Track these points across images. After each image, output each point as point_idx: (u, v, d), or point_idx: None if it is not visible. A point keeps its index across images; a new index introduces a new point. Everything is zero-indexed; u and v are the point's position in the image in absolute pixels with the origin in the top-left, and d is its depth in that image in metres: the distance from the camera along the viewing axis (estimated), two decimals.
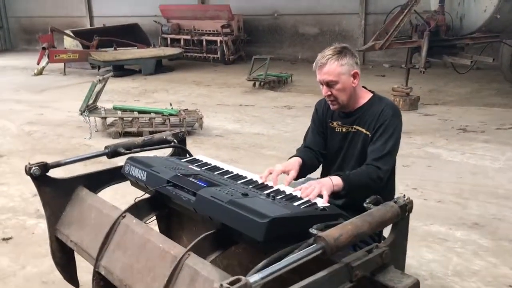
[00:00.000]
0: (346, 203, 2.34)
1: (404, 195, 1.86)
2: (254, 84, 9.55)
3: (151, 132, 6.18)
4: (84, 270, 2.68)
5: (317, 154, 2.55)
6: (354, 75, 2.36)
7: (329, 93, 2.37)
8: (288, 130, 6.52)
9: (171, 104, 6.69)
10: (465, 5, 7.05)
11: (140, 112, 6.60)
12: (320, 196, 2.02)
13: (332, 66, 2.31)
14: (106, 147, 2.57)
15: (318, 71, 2.37)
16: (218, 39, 12.90)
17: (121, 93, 9.44)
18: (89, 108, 6.46)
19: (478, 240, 3.47)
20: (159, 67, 12.07)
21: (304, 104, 7.84)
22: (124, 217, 2.13)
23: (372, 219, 1.70)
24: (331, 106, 2.45)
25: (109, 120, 6.62)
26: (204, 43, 13.25)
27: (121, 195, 3.41)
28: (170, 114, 6.41)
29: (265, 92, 9.17)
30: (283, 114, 7.37)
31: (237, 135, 6.36)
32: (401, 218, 1.82)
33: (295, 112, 7.47)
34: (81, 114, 6.39)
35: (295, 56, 13.35)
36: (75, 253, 2.48)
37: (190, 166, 2.33)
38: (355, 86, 2.38)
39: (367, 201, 1.84)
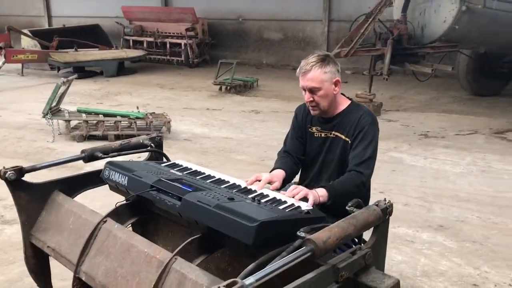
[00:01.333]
0: (322, 207, 2.39)
1: (385, 199, 1.94)
2: (221, 88, 9.56)
3: (117, 136, 6.11)
4: (57, 277, 2.62)
5: (295, 159, 2.61)
6: (336, 83, 2.43)
7: (311, 99, 2.44)
8: (257, 134, 6.56)
9: (137, 107, 6.60)
10: (426, 15, 7.33)
11: (105, 115, 6.48)
12: (306, 200, 2.06)
13: (316, 73, 2.37)
14: (82, 151, 2.53)
15: (301, 77, 2.42)
16: (183, 42, 12.83)
17: (83, 95, 9.23)
18: (52, 110, 6.29)
19: (443, 241, 3.62)
20: (122, 69, 11.90)
21: (271, 109, 7.92)
22: (105, 222, 2.10)
23: (357, 221, 1.76)
24: (311, 111, 2.51)
25: (73, 123, 6.48)
26: (168, 45, 13.15)
27: (91, 200, 3.34)
28: (137, 118, 6.33)
29: (232, 96, 9.19)
30: (251, 119, 7.41)
31: (205, 139, 6.35)
32: (382, 221, 1.90)
33: (263, 116, 7.53)
34: (44, 116, 6.21)
35: (260, 61, 13.44)
36: (50, 260, 2.43)
37: (172, 170, 2.33)
38: (336, 94, 2.46)
39: (350, 204, 1.91)
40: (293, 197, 2.05)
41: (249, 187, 2.17)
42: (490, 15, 7.08)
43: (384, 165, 5.29)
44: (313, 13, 12.50)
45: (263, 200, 1.98)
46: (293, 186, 2.13)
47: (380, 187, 4.58)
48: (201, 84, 10.37)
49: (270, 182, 2.32)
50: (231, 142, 6.24)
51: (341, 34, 11.53)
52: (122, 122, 6.33)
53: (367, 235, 1.94)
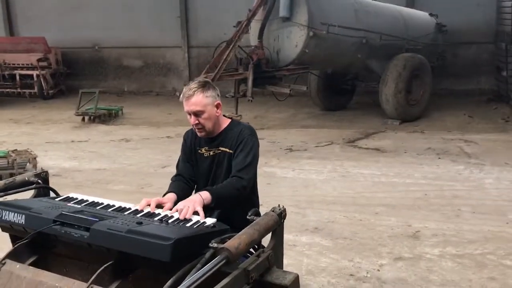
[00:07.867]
0: (220, 218, 2.59)
1: (279, 205, 2.20)
2: (83, 119, 9.22)
3: None
4: None
5: (188, 181, 2.80)
6: (217, 105, 2.68)
7: (196, 121, 2.65)
8: (132, 163, 6.51)
9: None
10: (279, 41, 8.03)
11: None
12: (196, 212, 2.24)
13: (198, 98, 2.60)
14: None
15: (185, 102, 2.62)
16: (34, 73, 12.11)
17: None
18: None
19: (320, 241, 4.05)
20: None
21: (141, 136, 7.89)
22: (4, 264, 2.03)
23: (260, 227, 1.99)
24: (198, 134, 2.72)
25: None
26: (18, 77, 12.28)
27: None
28: None
29: (97, 126, 8.93)
30: (121, 148, 7.31)
31: (76, 172, 6.11)
32: (278, 225, 2.15)
33: (134, 144, 7.47)
34: None
35: (121, 88, 13.22)
36: None
37: (69, 204, 2.32)
38: (218, 115, 2.70)
39: (249, 213, 2.13)
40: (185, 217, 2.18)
41: (152, 210, 2.28)
42: (333, 39, 8.01)
43: (259, 179, 5.58)
44: (171, 40, 12.72)
45: (170, 221, 2.11)
46: (180, 205, 2.29)
47: (260, 200, 4.91)
48: (61, 116, 9.90)
49: (161, 205, 2.44)
50: (105, 173, 6.11)
51: (201, 60, 11.96)
52: None
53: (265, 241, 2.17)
